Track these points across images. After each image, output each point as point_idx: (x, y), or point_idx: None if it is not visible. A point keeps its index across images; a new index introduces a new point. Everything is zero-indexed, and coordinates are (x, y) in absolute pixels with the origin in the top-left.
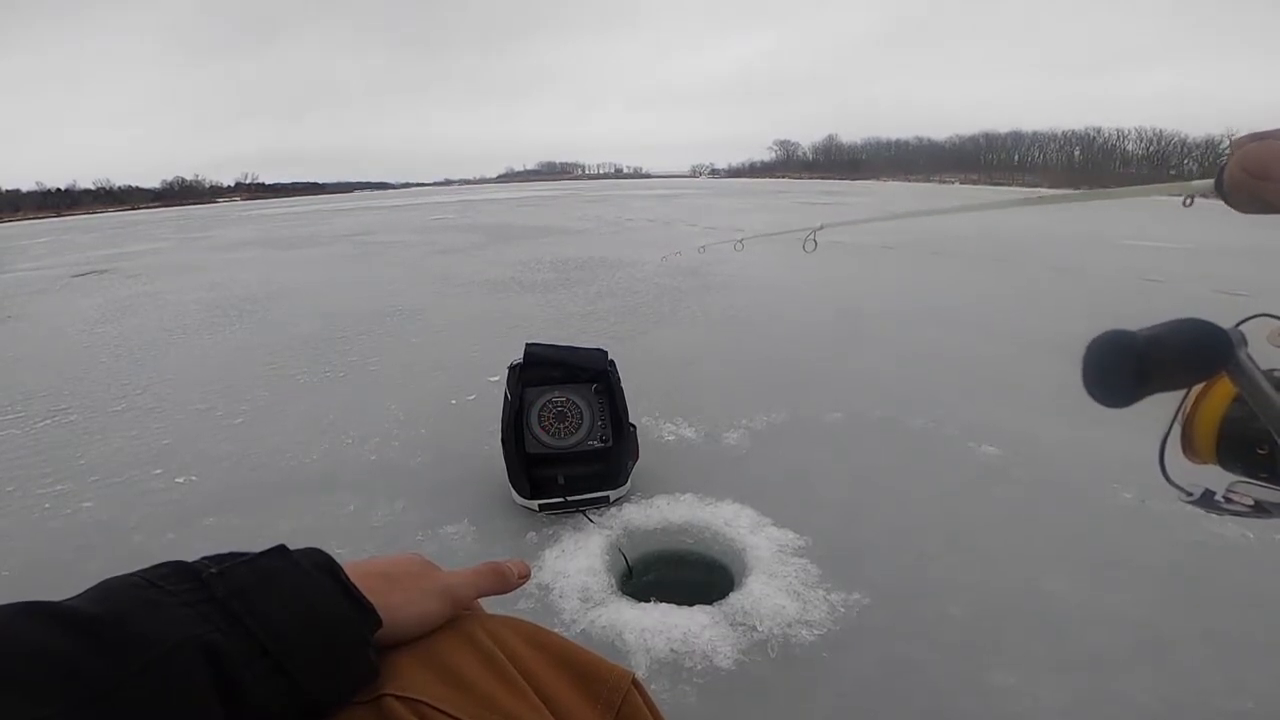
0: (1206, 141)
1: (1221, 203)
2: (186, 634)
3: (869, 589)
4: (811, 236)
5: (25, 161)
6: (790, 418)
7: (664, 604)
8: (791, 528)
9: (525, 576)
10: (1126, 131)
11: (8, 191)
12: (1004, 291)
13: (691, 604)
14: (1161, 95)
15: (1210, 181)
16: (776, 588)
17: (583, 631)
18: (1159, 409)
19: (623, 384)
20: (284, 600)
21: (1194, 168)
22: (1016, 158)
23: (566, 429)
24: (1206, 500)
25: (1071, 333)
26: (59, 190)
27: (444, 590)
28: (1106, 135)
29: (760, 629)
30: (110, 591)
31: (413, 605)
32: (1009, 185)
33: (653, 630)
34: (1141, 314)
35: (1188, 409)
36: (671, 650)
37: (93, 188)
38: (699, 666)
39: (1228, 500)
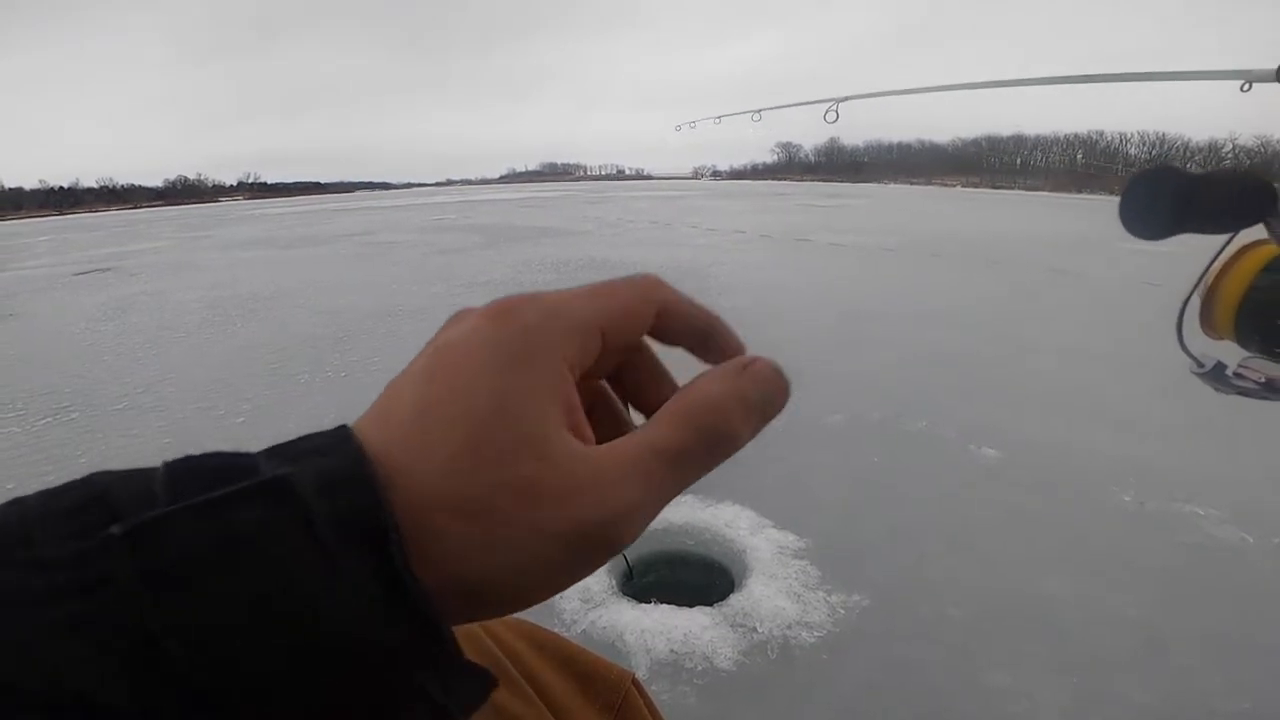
0: (1210, 145)
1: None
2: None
3: (869, 590)
4: (834, 108)
5: (28, 160)
6: (790, 419)
7: (664, 605)
8: (791, 529)
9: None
10: (1129, 135)
11: (10, 190)
12: (1003, 294)
13: (692, 605)
14: (1164, 99)
15: (1274, 68)
16: (776, 589)
17: (583, 632)
18: (1158, 407)
19: None
20: (255, 610)
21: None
22: (1019, 161)
23: None
24: (1217, 373)
25: (1071, 336)
26: (62, 189)
27: (608, 519)
28: (1109, 139)
29: (760, 630)
30: None
31: (552, 579)
32: (1010, 189)
33: (653, 631)
34: (1141, 318)
35: (1210, 280)
36: (672, 651)
37: (95, 186)
38: (699, 667)
39: (1238, 376)
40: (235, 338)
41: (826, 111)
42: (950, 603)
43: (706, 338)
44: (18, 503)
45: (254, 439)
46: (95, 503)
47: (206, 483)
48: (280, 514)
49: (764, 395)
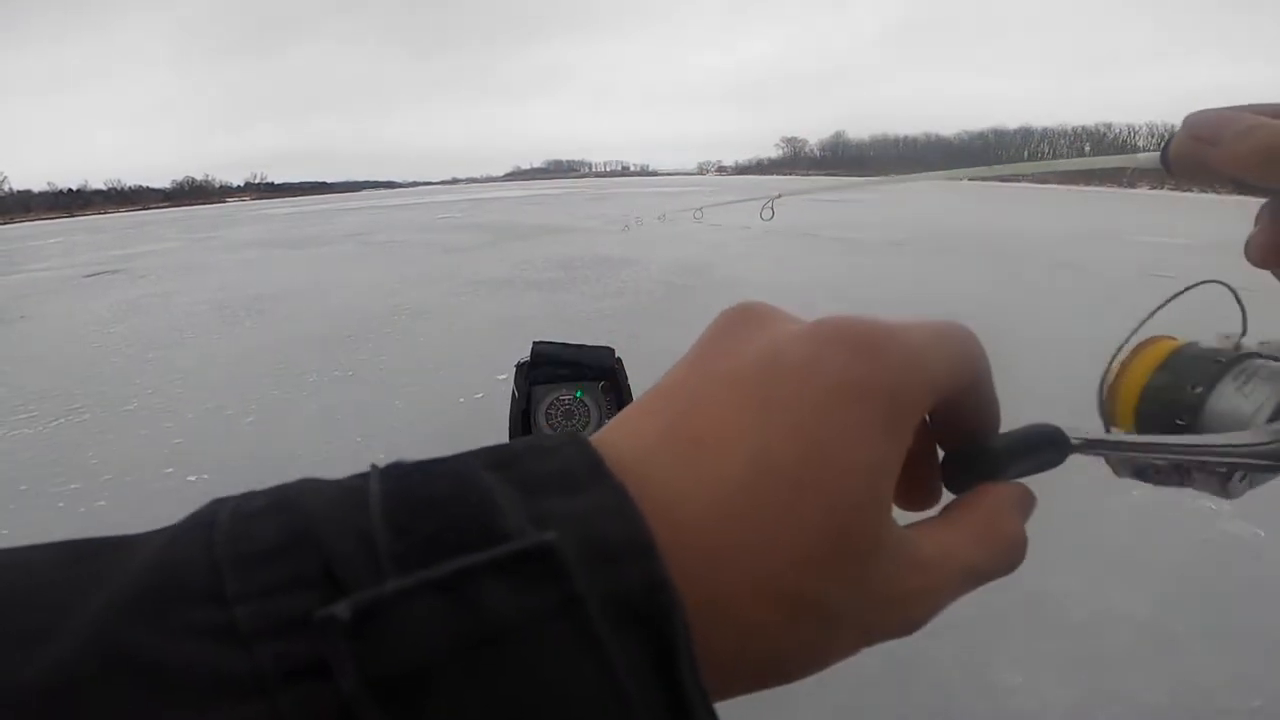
0: None
1: (1225, 191)
2: None
3: None
4: (769, 204)
5: (37, 162)
6: None
7: None
8: None
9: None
10: (1138, 127)
11: (19, 192)
12: (1011, 287)
13: None
14: (1174, 92)
15: (1155, 154)
16: None
17: None
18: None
19: (630, 382)
20: None
21: None
22: (1026, 154)
23: (574, 427)
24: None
25: (1079, 329)
26: (70, 190)
27: (916, 621)
28: (1117, 131)
29: None
30: (116, 601)
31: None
32: (1017, 182)
33: None
34: (1147, 309)
35: (1110, 378)
36: None
37: (104, 188)
38: None
39: (1155, 471)
40: (243, 338)
41: (762, 209)
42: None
43: (973, 434)
44: (206, 527)
45: (264, 438)
46: (303, 542)
47: (438, 531)
48: (545, 598)
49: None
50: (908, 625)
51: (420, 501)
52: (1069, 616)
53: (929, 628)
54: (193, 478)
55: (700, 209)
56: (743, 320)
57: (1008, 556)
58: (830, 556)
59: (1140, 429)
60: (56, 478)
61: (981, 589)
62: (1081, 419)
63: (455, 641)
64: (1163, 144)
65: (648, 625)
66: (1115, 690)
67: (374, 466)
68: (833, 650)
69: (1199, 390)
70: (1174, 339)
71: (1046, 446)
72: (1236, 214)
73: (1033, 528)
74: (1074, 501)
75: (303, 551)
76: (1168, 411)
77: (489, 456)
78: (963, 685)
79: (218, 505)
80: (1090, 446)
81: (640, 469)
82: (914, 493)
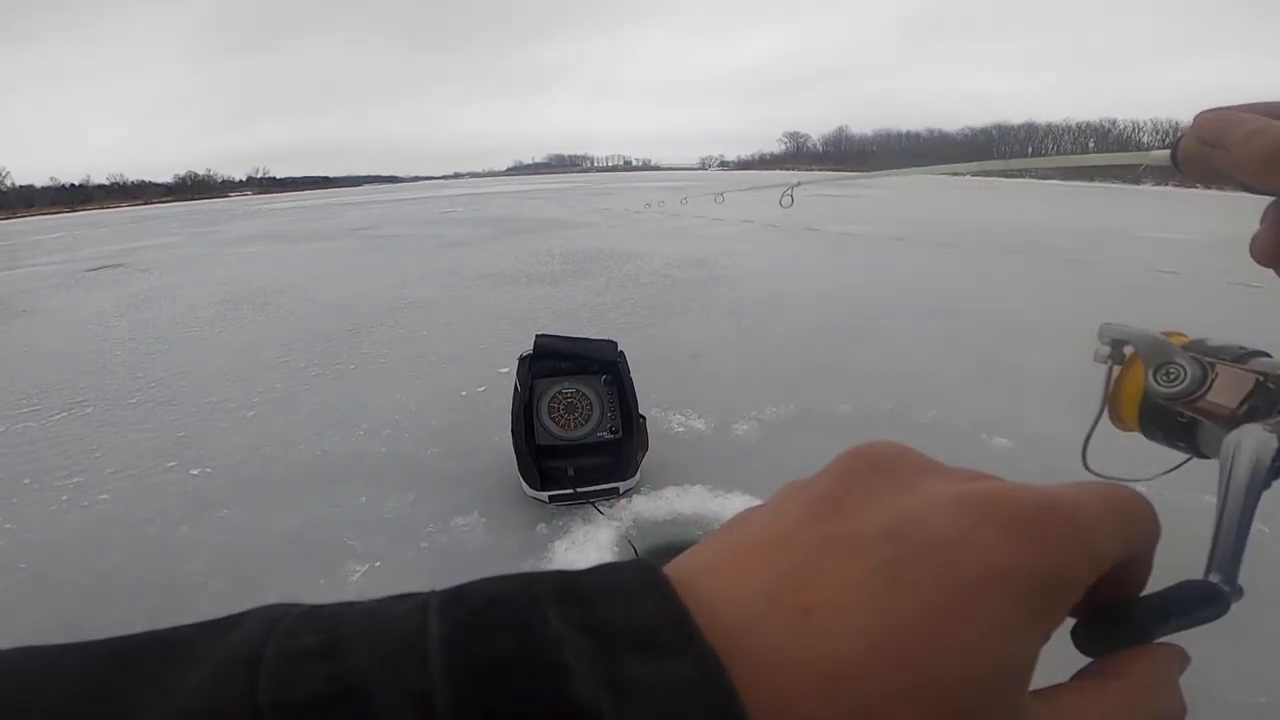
0: None
1: (1232, 189)
2: None
3: None
4: (788, 192)
5: (39, 157)
6: (800, 409)
7: None
8: None
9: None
10: (1142, 124)
11: (22, 187)
12: (1016, 283)
13: None
14: (1180, 88)
15: (1166, 153)
16: None
17: None
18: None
19: (632, 375)
20: None
21: None
22: (1030, 149)
23: (576, 420)
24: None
25: (1085, 325)
26: (73, 185)
27: None
28: (1122, 127)
29: None
30: None
31: None
32: (1021, 177)
33: None
34: (1155, 307)
35: (1115, 375)
36: None
37: (106, 183)
38: None
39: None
40: (246, 331)
41: (781, 197)
42: None
43: (1116, 598)
44: (252, 666)
45: (267, 432)
46: (347, 698)
47: (503, 702)
48: None
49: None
50: None
51: (484, 661)
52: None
53: None
54: (195, 471)
55: (721, 193)
56: (875, 469)
57: None
58: None
59: (1144, 426)
60: (59, 471)
61: None
62: (1085, 412)
63: None
64: (1173, 143)
65: None
66: None
67: (433, 593)
68: None
69: (1199, 391)
70: (1183, 335)
71: (1204, 606)
72: (1242, 209)
73: None
74: None
75: (349, 706)
76: (1173, 409)
77: (558, 588)
78: None
79: (265, 632)
80: (1237, 595)
81: (736, 636)
82: None
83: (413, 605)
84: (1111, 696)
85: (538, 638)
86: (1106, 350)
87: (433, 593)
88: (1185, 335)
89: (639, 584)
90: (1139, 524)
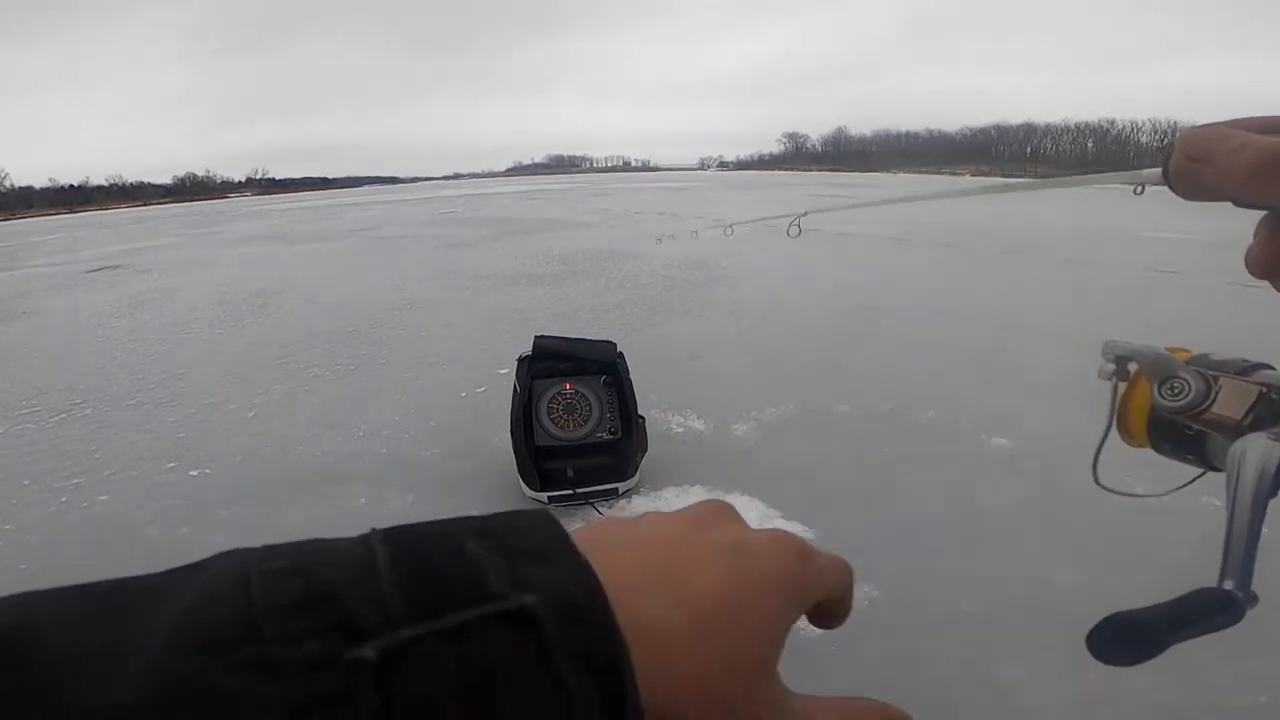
0: None
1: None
2: None
3: (878, 582)
4: (796, 222)
5: (38, 158)
6: (799, 410)
7: None
8: (800, 520)
9: None
10: (1141, 124)
11: (21, 188)
12: (1015, 283)
13: None
14: (1181, 88)
15: (1158, 170)
16: None
17: None
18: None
19: (631, 376)
20: None
21: None
22: (1029, 150)
23: (575, 421)
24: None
25: (1085, 325)
26: (72, 186)
27: None
28: (1120, 127)
29: None
30: (166, 640)
31: None
32: (1020, 177)
33: None
34: (1154, 307)
35: (1122, 390)
36: None
37: (105, 184)
38: None
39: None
40: (246, 332)
41: (789, 226)
42: (961, 594)
43: (828, 621)
44: (243, 583)
45: (266, 433)
46: (324, 600)
47: (439, 596)
48: (524, 648)
49: None
50: None
51: (422, 573)
52: (1072, 613)
53: (932, 623)
54: (195, 472)
55: (731, 226)
56: (720, 513)
57: None
58: (742, 668)
59: (1154, 440)
60: (59, 472)
61: (983, 585)
62: (1087, 411)
63: (458, 680)
64: (1164, 160)
65: (603, 673)
66: (1119, 687)
67: (374, 530)
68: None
69: (1206, 403)
70: (1186, 350)
71: (1218, 613)
72: (1239, 211)
73: (1037, 521)
74: (1075, 498)
75: (327, 606)
76: (1181, 421)
77: (475, 526)
78: (966, 681)
79: (243, 560)
80: (1251, 601)
81: (622, 572)
82: None
83: (358, 538)
84: (827, 710)
85: (461, 555)
86: (1111, 367)
87: (373, 530)
88: (1189, 350)
89: (537, 521)
90: (844, 575)
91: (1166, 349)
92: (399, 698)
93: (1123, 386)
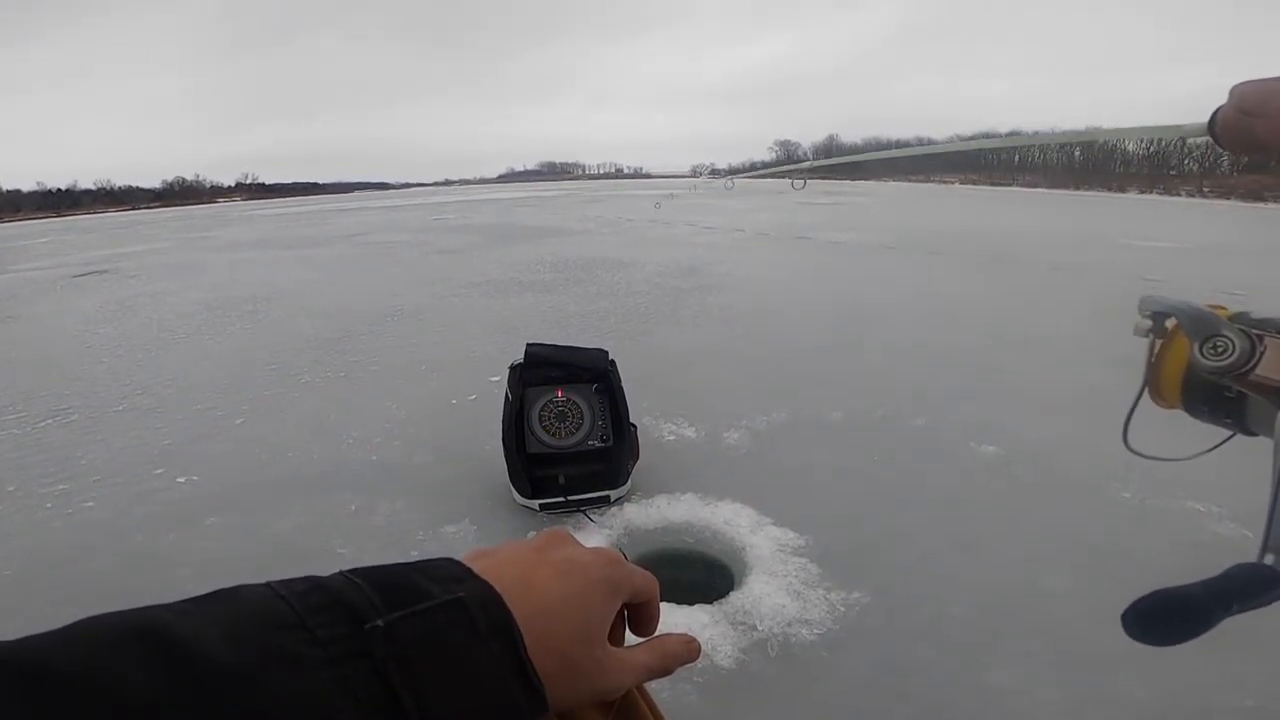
0: (1207, 143)
1: (1227, 198)
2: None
3: (869, 588)
4: (803, 176)
5: (26, 161)
6: (790, 417)
7: (664, 603)
8: (791, 527)
9: (694, 656)
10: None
11: (8, 192)
12: (1003, 291)
13: (692, 603)
14: (1167, 99)
15: (1203, 123)
16: (776, 587)
17: None
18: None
19: (623, 384)
20: (449, 676)
21: (1194, 167)
22: (1017, 158)
23: (567, 429)
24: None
25: (1071, 332)
26: (59, 190)
27: (615, 689)
28: (1106, 137)
29: (760, 628)
30: (246, 626)
31: (581, 703)
32: (1009, 186)
33: None
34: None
35: (1155, 352)
36: None
37: (93, 188)
38: (699, 665)
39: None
40: (234, 339)
41: (794, 180)
42: (950, 600)
43: (644, 625)
44: (269, 598)
45: (255, 439)
46: (338, 604)
47: (405, 598)
48: (461, 619)
49: (686, 651)
50: (614, 686)
51: (390, 585)
52: (1060, 617)
53: (921, 629)
54: (182, 479)
55: (731, 179)
56: (557, 537)
57: (664, 665)
58: (581, 642)
59: (1188, 402)
60: (45, 479)
61: (972, 591)
62: (1076, 419)
63: (427, 636)
64: (1211, 115)
65: (504, 635)
66: (1105, 690)
67: (346, 569)
68: (584, 683)
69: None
70: (1224, 307)
71: (1264, 590)
72: (1226, 219)
73: (1025, 527)
74: (1064, 502)
75: (341, 606)
76: (1216, 384)
77: (413, 565)
78: (955, 686)
79: (265, 587)
80: None
81: (508, 591)
82: (613, 633)
83: (338, 573)
84: (640, 650)
85: (410, 579)
86: (1148, 324)
87: (344, 569)
88: (1226, 307)
89: (450, 561)
90: (650, 582)
91: (1206, 305)
92: (395, 649)
93: (1158, 345)
